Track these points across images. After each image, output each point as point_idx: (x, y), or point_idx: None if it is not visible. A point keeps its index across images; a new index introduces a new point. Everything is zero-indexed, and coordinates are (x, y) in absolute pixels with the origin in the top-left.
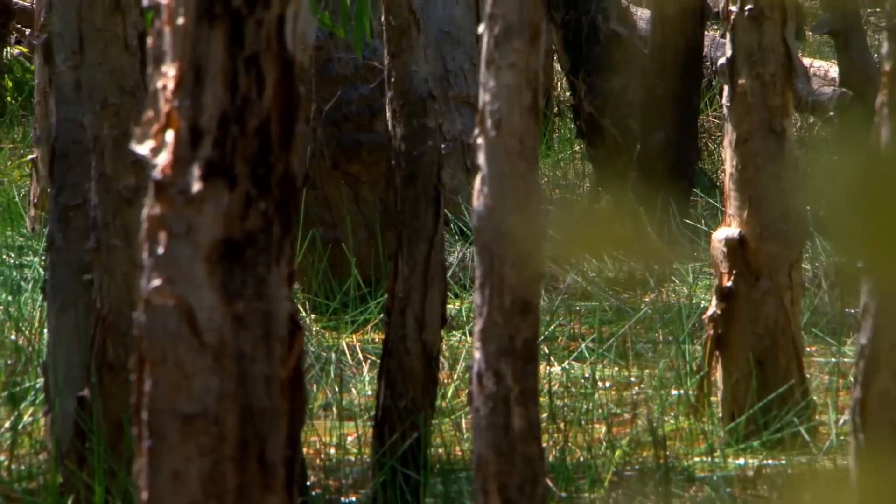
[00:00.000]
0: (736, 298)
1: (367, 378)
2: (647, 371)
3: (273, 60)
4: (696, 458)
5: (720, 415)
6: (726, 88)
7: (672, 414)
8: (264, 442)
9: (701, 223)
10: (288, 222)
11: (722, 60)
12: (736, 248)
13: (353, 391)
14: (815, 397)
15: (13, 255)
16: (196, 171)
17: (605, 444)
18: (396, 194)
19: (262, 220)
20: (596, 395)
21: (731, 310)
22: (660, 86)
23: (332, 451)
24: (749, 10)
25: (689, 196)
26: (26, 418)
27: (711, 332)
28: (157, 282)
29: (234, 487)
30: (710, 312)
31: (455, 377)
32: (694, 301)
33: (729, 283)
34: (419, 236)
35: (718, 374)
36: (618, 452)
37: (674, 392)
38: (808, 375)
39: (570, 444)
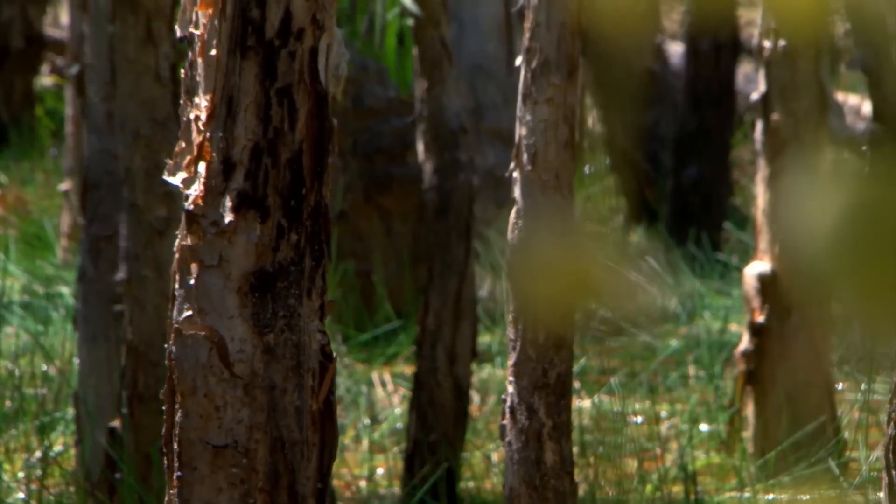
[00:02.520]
0: (768, 334)
1: (398, 411)
2: (678, 406)
3: (305, 92)
4: (727, 494)
5: (751, 451)
6: (759, 124)
7: (703, 449)
8: (295, 474)
9: (733, 258)
10: (320, 254)
11: (755, 96)
12: (768, 283)
13: (384, 424)
14: (846, 433)
15: (44, 286)
16: (228, 202)
17: (635, 479)
18: (428, 227)
19: (294, 252)
20: (626, 430)
21: (762, 345)
22: (692, 120)
23: (363, 483)
24: (783, 45)
25: (720, 231)
26: (57, 448)
27: (743, 367)
28: (188, 313)
29: None
30: (741, 348)
31: (486, 410)
32: (725, 336)
33: (760, 319)
34: (450, 269)
35: (749, 410)
36: (648, 487)
37: (704, 427)
38: (839, 412)
39: (600, 479)
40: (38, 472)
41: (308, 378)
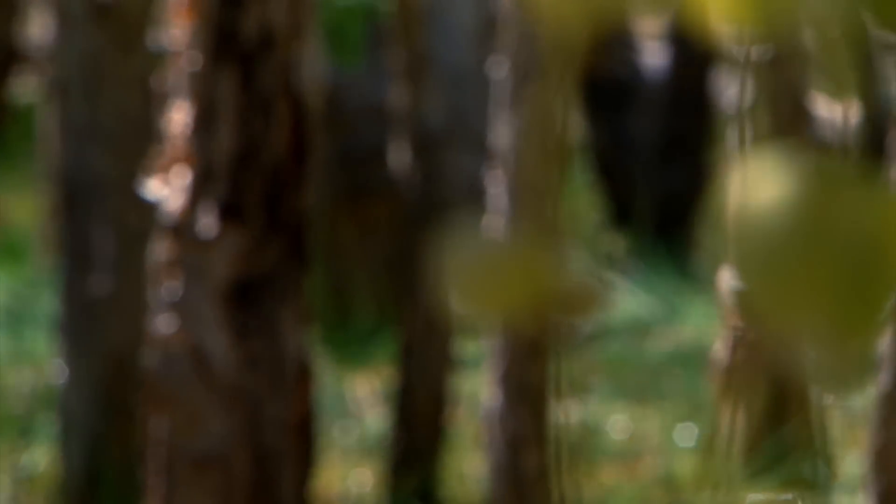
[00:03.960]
0: (744, 340)
1: (376, 417)
2: (660, 412)
3: (284, 101)
4: (708, 499)
5: (733, 456)
6: (735, 130)
7: (684, 455)
8: (275, 482)
9: (710, 264)
10: (299, 263)
11: (734, 102)
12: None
13: (363, 430)
14: (828, 438)
15: (22, 295)
16: (208, 211)
17: (617, 485)
18: (406, 234)
19: (274, 261)
20: (608, 436)
21: (739, 352)
22: (671, 127)
23: (343, 490)
24: (763, 53)
25: (697, 237)
26: (38, 459)
27: (723, 373)
28: (168, 322)
29: None
30: (721, 353)
31: (465, 418)
32: (704, 342)
33: (736, 325)
34: (428, 277)
35: (727, 416)
36: (630, 493)
37: (685, 433)
38: (816, 418)
39: (582, 485)
40: (20, 483)
41: (288, 387)
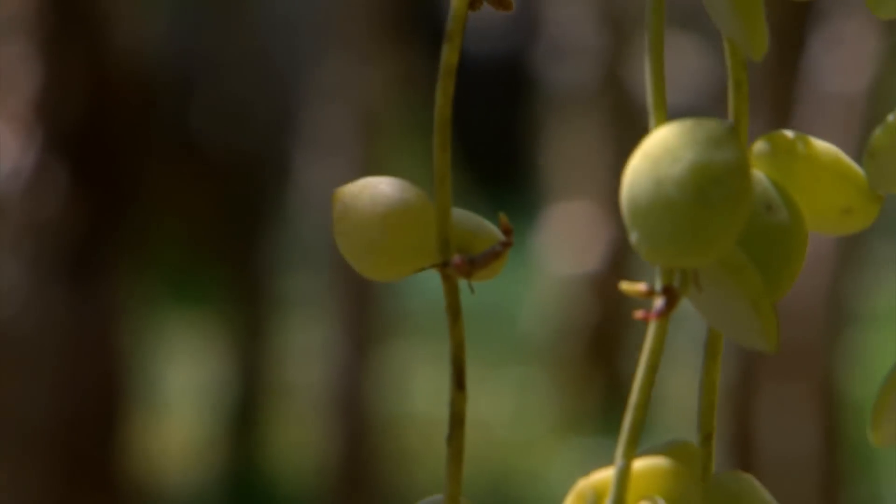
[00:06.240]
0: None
1: (218, 371)
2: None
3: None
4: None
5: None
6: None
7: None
8: (91, 447)
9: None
10: (125, 231)
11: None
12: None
13: (206, 385)
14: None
15: None
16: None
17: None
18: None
19: (98, 227)
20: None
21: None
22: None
23: (181, 447)
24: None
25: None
26: None
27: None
28: None
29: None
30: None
31: (306, 375)
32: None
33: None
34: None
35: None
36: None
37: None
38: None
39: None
40: None
41: (99, 348)
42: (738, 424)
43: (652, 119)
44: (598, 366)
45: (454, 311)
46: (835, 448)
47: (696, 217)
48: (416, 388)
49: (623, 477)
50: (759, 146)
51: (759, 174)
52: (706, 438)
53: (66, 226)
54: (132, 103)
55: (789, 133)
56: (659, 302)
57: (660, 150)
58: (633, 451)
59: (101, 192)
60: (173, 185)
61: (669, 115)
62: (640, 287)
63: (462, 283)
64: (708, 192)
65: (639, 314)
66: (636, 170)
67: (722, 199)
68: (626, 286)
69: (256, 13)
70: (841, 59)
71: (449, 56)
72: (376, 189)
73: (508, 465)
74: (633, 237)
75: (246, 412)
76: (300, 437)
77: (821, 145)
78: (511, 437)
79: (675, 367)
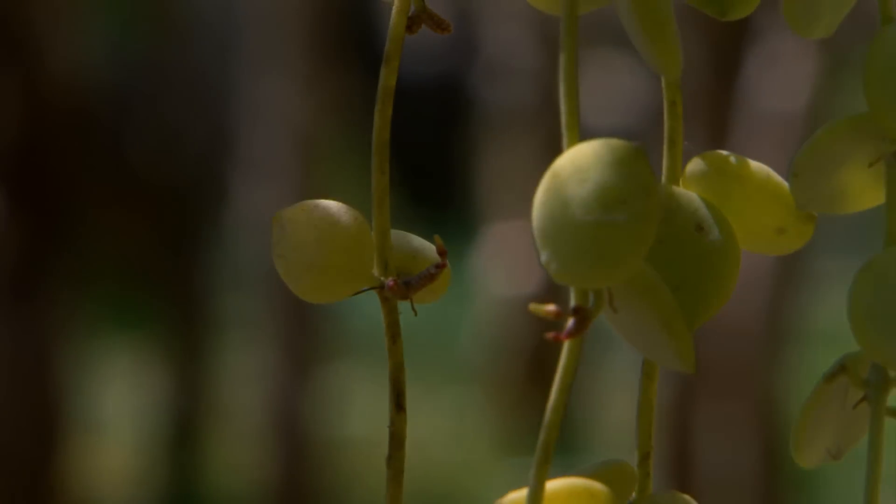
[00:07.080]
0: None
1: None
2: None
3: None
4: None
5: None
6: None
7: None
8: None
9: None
10: (61, 253)
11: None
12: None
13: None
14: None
15: None
16: None
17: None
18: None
19: (37, 248)
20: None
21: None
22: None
23: (116, 472)
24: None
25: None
26: None
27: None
28: None
29: None
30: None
31: (243, 395)
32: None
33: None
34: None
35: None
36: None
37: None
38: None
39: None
40: None
41: (41, 373)
42: (677, 443)
43: (564, 140)
44: (536, 387)
45: (393, 332)
46: (773, 467)
47: (602, 237)
48: (356, 409)
49: (535, 497)
50: (693, 166)
51: (691, 194)
52: (644, 458)
53: (1, 250)
54: (68, 127)
55: (723, 153)
56: (570, 323)
57: (569, 170)
58: (545, 470)
59: (36, 217)
60: (110, 209)
61: (608, 136)
62: (550, 308)
63: (405, 304)
64: (613, 212)
65: (550, 335)
66: (546, 190)
67: (627, 219)
68: (533, 307)
69: (193, 36)
70: (778, 79)
71: (387, 78)
72: (314, 211)
73: (448, 486)
74: (543, 257)
75: (184, 434)
76: (239, 459)
77: (754, 165)
78: (450, 458)
79: (617, 387)
